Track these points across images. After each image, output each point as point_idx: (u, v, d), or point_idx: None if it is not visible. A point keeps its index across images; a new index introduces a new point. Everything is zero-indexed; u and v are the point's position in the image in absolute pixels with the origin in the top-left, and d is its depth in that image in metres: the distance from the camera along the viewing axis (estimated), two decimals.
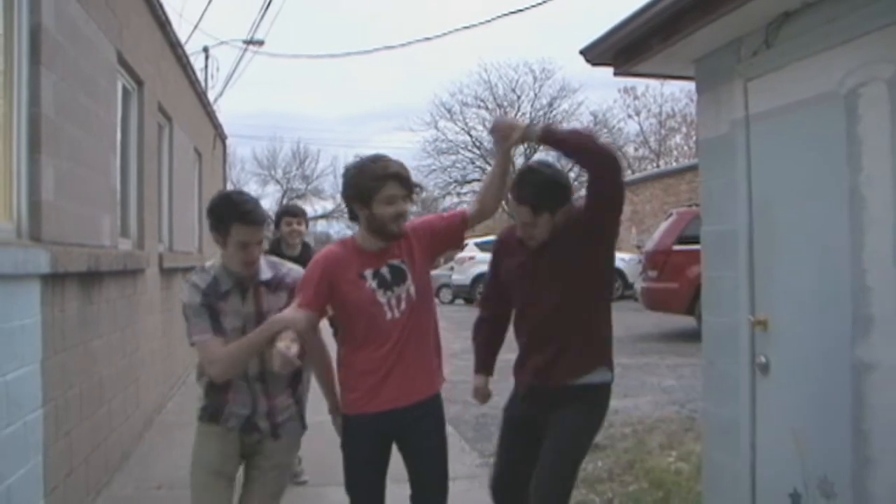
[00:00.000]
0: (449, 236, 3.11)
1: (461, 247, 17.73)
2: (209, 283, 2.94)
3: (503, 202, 3.48)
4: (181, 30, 9.34)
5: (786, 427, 3.24)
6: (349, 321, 3.00)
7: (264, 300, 2.98)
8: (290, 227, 5.21)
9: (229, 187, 22.69)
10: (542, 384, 3.07)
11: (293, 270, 3.09)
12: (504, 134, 2.97)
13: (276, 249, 4.88)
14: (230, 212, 2.89)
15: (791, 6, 3.12)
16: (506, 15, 19.98)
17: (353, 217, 3.00)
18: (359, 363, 2.96)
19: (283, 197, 42.62)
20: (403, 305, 2.92)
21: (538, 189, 2.99)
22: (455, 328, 10.97)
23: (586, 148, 2.94)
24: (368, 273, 2.93)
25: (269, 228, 3.62)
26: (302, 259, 3.97)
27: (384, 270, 2.94)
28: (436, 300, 3.52)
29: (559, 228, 3.01)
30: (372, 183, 2.85)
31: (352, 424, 3.02)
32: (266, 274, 3.01)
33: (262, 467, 3.07)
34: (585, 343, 3.05)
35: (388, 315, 2.91)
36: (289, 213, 5.42)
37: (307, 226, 5.50)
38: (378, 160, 2.92)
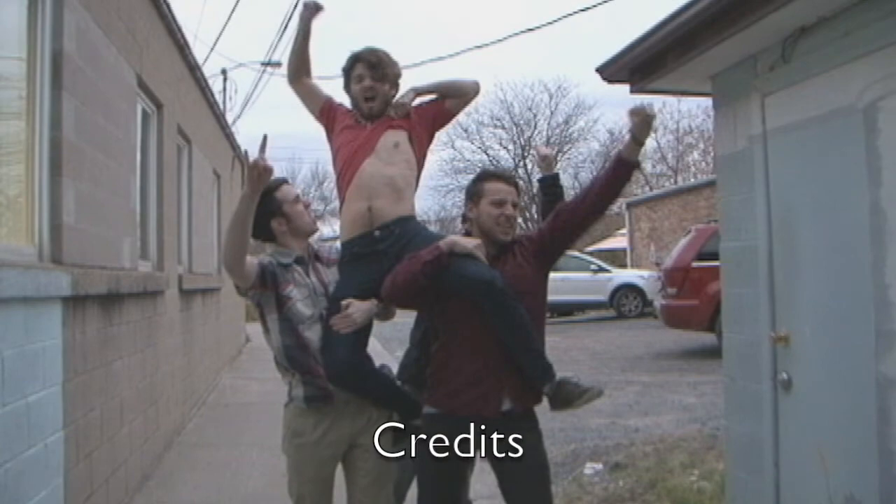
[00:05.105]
0: None
1: None
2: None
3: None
4: (197, 51, 9.41)
5: (810, 444, 3.20)
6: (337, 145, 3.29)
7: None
8: None
9: None
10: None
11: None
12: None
13: None
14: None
15: (807, 21, 3.11)
16: (517, 34, 19.88)
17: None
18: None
19: None
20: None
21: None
22: None
23: None
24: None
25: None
26: None
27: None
28: None
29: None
30: (347, 66, 3.29)
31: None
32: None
33: None
34: None
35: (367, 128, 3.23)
36: None
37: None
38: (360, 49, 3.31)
